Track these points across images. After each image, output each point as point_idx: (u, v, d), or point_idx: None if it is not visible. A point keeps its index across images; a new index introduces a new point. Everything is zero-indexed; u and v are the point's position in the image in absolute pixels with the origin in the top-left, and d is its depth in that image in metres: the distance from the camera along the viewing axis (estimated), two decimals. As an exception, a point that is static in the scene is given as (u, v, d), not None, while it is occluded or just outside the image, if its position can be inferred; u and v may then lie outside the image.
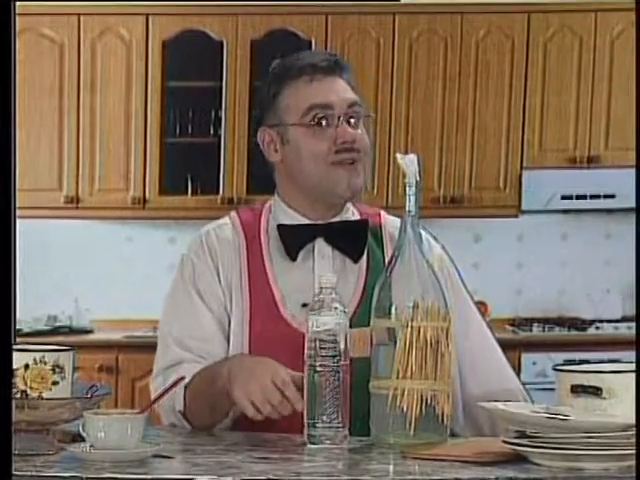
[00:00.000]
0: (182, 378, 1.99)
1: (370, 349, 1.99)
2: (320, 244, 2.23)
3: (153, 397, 1.99)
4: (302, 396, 1.95)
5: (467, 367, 2.19)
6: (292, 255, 2.22)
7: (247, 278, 2.22)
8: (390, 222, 2.29)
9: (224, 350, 2.20)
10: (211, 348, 2.20)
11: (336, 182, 2.19)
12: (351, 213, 2.29)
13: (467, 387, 2.19)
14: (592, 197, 5.44)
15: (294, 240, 2.23)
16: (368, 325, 2.00)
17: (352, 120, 2.20)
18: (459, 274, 2.30)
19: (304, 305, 2.13)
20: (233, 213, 2.32)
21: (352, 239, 2.24)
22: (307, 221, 2.24)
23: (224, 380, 2.02)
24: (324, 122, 2.18)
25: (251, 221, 2.28)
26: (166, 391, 1.95)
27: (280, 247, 2.23)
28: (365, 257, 2.24)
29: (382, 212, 2.33)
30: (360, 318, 2.07)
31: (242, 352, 2.19)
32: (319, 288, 2.00)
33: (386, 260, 2.17)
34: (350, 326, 2.00)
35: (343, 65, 2.26)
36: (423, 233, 2.11)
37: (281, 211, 2.27)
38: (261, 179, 6.07)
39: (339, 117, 2.18)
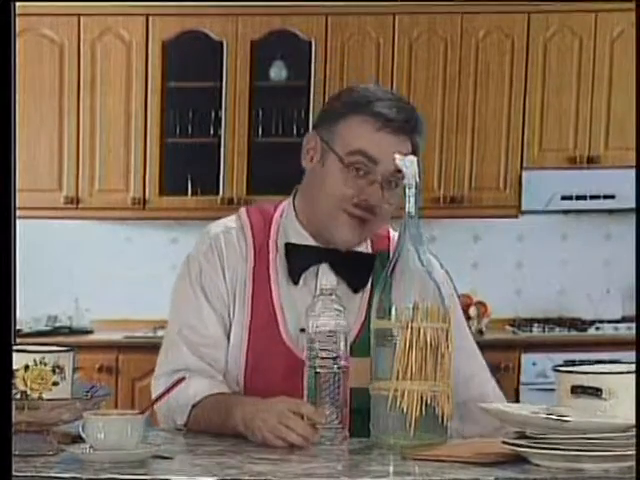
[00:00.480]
0: (182, 379, 1.98)
1: (370, 380, 1.98)
2: (324, 269, 2.20)
3: (153, 398, 1.99)
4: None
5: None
6: (294, 278, 2.20)
7: (251, 292, 2.20)
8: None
9: (223, 354, 2.20)
10: (215, 353, 2.20)
11: (339, 228, 2.16)
12: (364, 252, 2.24)
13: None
14: (592, 197, 5.43)
15: (298, 262, 2.20)
16: (369, 353, 1.99)
17: (390, 184, 2.13)
18: (457, 295, 2.29)
19: (302, 330, 2.11)
20: (243, 214, 2.28)
21: (357, 270, 2.21)
22: (315, 243, 2.21)
23: (238, 424, 2.01)
24: (361, 172, 2.13)
25: (261, 227, 2.25)
26: (166, 392, 1.95)
27: (285, 265, 2.21)
28: (369, 289, 2.21)
29: (390, 232, 2.28)
30: (361, 345, 2.06)
31: (239, 372, 2.18)
32: (319, 290, 2.00)
33: None
34: (351, 354, 1.99)
35: (419, 127, 2.17)
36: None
37: (292, 226, 2.24)
38: (261, 179, 6.08)
39: (378, 177, 2.12)
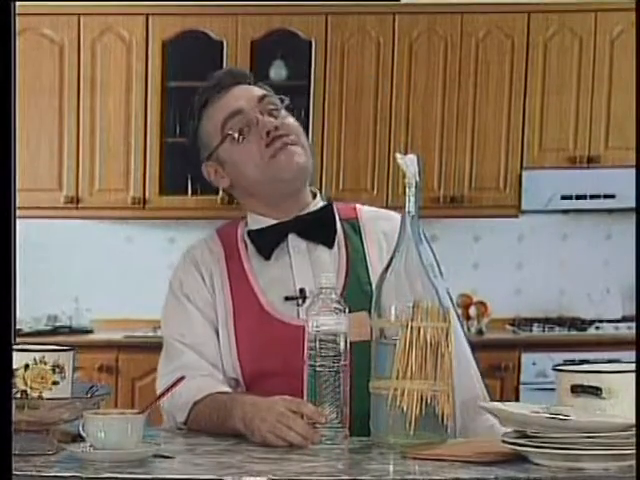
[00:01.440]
0: (182, 378, 1.98)
1: (370, 332, 1.99)
2: (293, 239, 2.26)
3: (153, 399, 1.99)
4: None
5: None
6: (265, 254, 2.26)
7: (228, 280, 2.26)
8: (367, 213, 2.33)
9: (217, 349, 2.23)
10: (212, 350, 2.23)
11: (278, 169, 2.22)
12: (320, 203, 2.32)
13: None
14: (592, 197, 5.44)
15: (265, 241, 2.26)
16: (359, 306, 2.04)
17: (271, 112, 2.26)
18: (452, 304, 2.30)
19: (287, 299, 2.20)
20: (213, 231, 2.37)
21: (321, 226, 2.27)
22: (276, 221, 2.28)
23: (238, 424, 2.02)
24: (244, 128, 2.24)
25: (229, 233, 2.33)
26: (166, 391, 1.95)
27: (254, 250, 2.27)
28: (344, 247, 2.26)
29: (358, 205, 2.37)
30: (350, 301, 2.07)
31: (231, 350, 2.21)
32: (319, 288, 2.00)
33: (366, 249, 2.25)
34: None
35: (239, 73, 2.37)
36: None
37: (252, 220, 2.31)
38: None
39: (253, 113, 2.23)
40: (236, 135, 2.24)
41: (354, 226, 2.29)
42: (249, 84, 2.33)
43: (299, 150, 2.25)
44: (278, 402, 1.97)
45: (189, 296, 2.28)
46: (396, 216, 2.21)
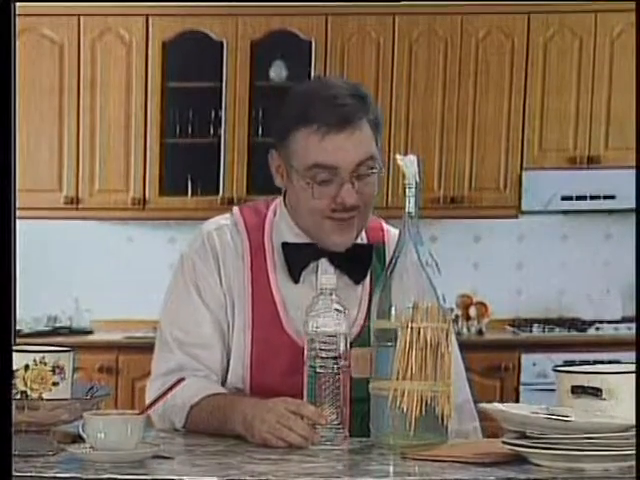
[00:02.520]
0: (182, 379, 1.98)
1: (370, 369, 1.98)
2: (324, 264, 2.20)
3: (151, 399, 1.98)
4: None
5: None
6: (294, 277, 2.19)
7: (250, 289, 2.19)
8: (392, 237, 2.22)
9: (222, 356, 2.20)
10: (209, 354, 2.19)
11: (328, 235, 2.16)
12: (360, 243, 2.24)
13: None
14: (592, 198, 5.43)
15: (297, 260, 2.20)
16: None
17: (360, 177, 2.12)
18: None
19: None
20: (236, 212, 2.28)
21: (356, 262, 2.21)
22: (311, 240, 2.20)
23: (237, 426, 2.01)
24: (326, 181, 2.11)
25: (255, 224, 2.25)
26: (166, 392, 1.95)
27: (284, 264, 2.20)
28: (368, 278, 2.22)
29: (384, 225, 2.30)
30: (363, 338, 2.06)
31: (244, 361, 2.18)
32: (319, 289, 2.00)
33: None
34: (351, 346, 2.00)
35: (365, 106, 2.13)
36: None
37: (286, 225, 2.23)
38: (261, 179, 6.07)
39: (345, 178, 2.10)
40: (310, 184, 2.12)
41: (379, 252, 2.22)
42: (370, 126, 2.13)
43: (354, 226, 2.15)
44: (278, 403, 1.96)
45: (200, 288, 2.20)
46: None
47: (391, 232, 2.27)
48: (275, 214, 2.26)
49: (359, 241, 2.23)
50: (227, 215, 2.29)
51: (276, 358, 2.15)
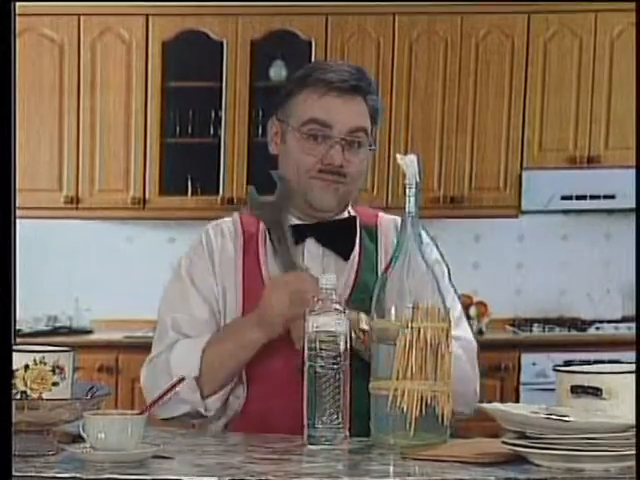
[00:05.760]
0: (182, 379, 1.99)
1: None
2: (310, 244, 2.26)
3: (152, 400, 1.98)
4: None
5: None
6: (276, 250, 2.25)
7: (242, 277, 2.26)
8: (386, 221, 2.33)
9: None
10: (202, 334, 2.24)
11: (313, 196, 2.23)
12: (346, 213, 2.32)
13: None
14: (592, 197, 5.43)
15: (283, 239, 2.25)
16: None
17: (351, 144, 2.22)
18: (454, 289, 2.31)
19: None
20: (236, 214, 2.39)
21: (341, 237, 2.28)
22: (298, 222, 2.28)
23: (254, 330, 2.11)
24: (319, 138, 2.22)
25: (251, 221, 2.33)
26: (165, 393, 1.95)
27: (271, 247, 2.27)
28: (357, 255, 2.27)
29: (380, 213, 2.38)
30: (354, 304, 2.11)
31: None
32: (320, 289, 2.00)
33: (380, 258, 2.25)
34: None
35: (366, 87, 2.25)
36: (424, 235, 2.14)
37: None
38: (261, 179, 6.06)
39: (335, 139, 2.20)
40: (307, 136, 2.23)
41: (371, 233, 2.30)
42: (367, 105, 2.24)
43: (338, 194, 2.23)
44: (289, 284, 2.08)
45: (193, 278, 2.28)
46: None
47: (385, 217, 2.36)
48: None
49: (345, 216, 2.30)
50: (229, 217, 2.39)
51: (268, 344, 2.17)
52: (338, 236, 2.27)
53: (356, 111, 2.23)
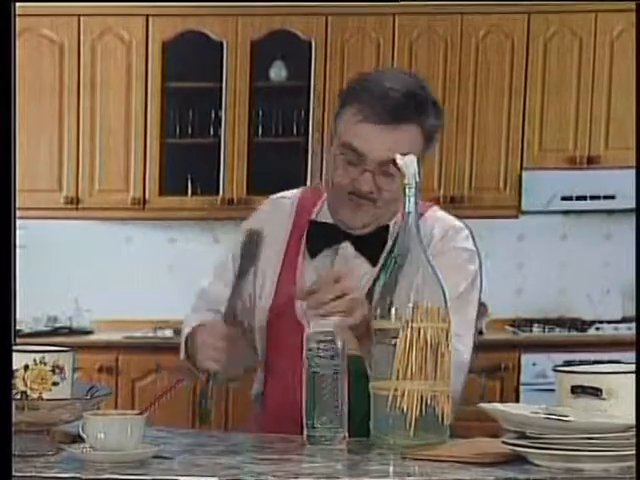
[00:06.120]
0: (181, 380, 2.00)
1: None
2: (345, 246, 2.25)
3: (152, 400, 1.99)
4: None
5: None
6: (312, 253, 2.26)
7: (280, 267, 2.28)
8: (431, 220, 2.26)
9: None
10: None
11: (342, 213, 2.22)
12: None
13: None
14: (592, 198, 5.43)
15: (319, 239, 2.26)
16: None
17: (385, 172, 2.14)
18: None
19: None
20: (299, 190, 2.37)
21: (376, 246, 2.25)
22: (337, 223, 2.25)
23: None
24: (353, 162, 2.15)
25: (308, 203, 2.32)
26: (164, 393, 1.95)
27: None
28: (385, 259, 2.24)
29: (433, 209, 2.31)
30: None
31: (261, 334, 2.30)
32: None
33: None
34: None
35: (418, 110, 2.16)
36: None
37: (326, 205, 2.29)
38: (261, 179, 6.07)
39: (366, 167, 2.14)
40: (341, 159, 2.16)
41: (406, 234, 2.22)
42: (418, 127, 2.16)
43: (369, 213, 2.19)
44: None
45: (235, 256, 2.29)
46: (456, 222, 2.26)
47: (430, 217, 2.27)
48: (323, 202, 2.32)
49: (393, 222, 2.26)
50: (295, 190, 2.38)
51: (288, 338, 2.21)
52: (373, 245, 2.24)
53: (394, 141, 2.12)
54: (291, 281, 2.25)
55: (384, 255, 2.23)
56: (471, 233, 2.33)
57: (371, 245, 2.24)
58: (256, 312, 2.30)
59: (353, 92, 2.17)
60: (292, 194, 2.36)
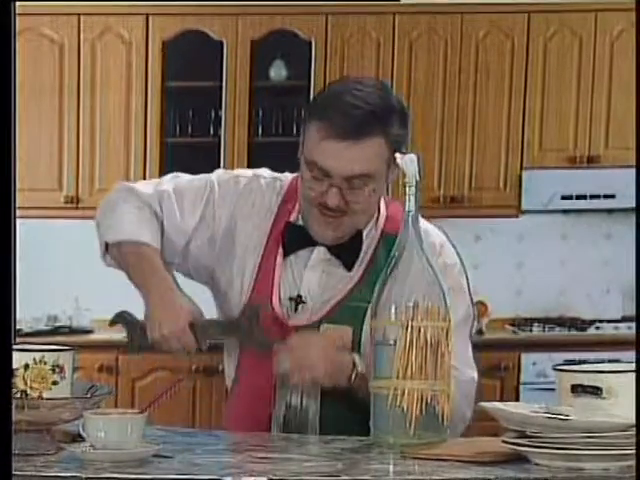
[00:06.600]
0: (181, 380, 2.00)
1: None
2: (321, 251, 2.24)
3: (152, 400, 1.98)
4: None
5: None
6: (287, 252, 2.25)
7: (261, 256, 2.26)
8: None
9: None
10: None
11: (314, 223, 2.21)
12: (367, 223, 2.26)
13: None
14: (592, 197, 5.43)
15: (294, 242, 2.25)
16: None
17: (352, 187, 2.12)
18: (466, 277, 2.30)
19: (291, 299, 2.22)
20: (289, 177, 2.33)
21: (351, 250, 2.24)
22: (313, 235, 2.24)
23: (145, 301, 2.37)
24: (319, 180, 2.14)
25: (294, 195, 2.28)
26: (164, 393, 1.95)
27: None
28: (365, 263, 2.24)
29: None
30: (339, 314, 2.16)
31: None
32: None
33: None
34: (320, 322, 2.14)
35: (385, 121, 2.10)
36: (426, 225, 2.18)
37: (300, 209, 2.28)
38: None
39: (333, 182, 2.12)
40: (308, 174, 2.15)
41: (388, 242, 2.16)
42: (384, 139, 2.10)
43: (342, 224, 2.17)
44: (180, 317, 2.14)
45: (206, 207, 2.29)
46: (438, 234, 2.29)
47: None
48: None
49: (369, 228, 2.26)
50: (285, 174, 2.35)
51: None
52: (347, 249, 2.23)
53: (360, 156, 2.09)
54: (268, 279, 2.23)
55: (359, 261, 2.23)
56: (446, 235, 2.37)
57: (345, 250, 2.23)
58: (229, 297, 2.28)
59: (316, 107, 2.17)
60: (281, 177, 2.33)
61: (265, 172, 2.35)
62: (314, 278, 2.23)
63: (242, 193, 2.29)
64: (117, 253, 2.31)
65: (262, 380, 2.19)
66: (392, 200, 2.31)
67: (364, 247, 2.22)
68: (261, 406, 2.19)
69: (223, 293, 2.30)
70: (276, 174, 2.34)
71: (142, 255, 2.25)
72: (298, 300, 2.22)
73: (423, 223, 2.17)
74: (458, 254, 2.33)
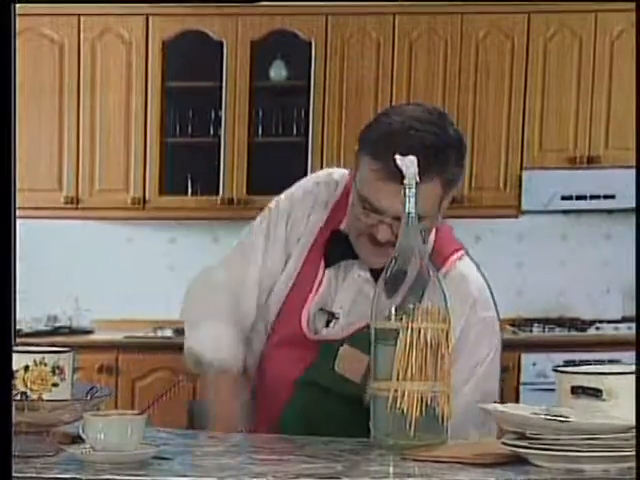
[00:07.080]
0: (180, 380, 2.01)
1: (358, 371, 2.08)
2: (361, 265, 2.24)
3: (152, 400, 1.99)
4: None
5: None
6: (327, 262, 2.25)
7: (301, 266, 2.26)
8: (459, 273, 2.31)
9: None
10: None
11: (359, 249, 2.20)
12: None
13: None
14: (592, 197, 5.44)
15: (337, 251, 2.25)
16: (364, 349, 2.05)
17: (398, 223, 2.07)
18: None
19: (321, 309, 2.23)
20: (346, 175, 2.30)
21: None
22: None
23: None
24: (371, 212, 2.11)
25: (341, 207, 2.27)
26: (164, 394, 1.95)
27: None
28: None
29: (457, 255, 2.38)
30: (360, 338, 2.12)
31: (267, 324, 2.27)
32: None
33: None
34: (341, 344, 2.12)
35: (441, 163, 2.07)
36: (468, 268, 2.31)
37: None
38: (261, 179, 6.07)
39: (384, 219, 2.10)
40: (359, 205, 2.12)
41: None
42: (439, 183, 2.08)
43: (386, 253, 2.07)
44: None
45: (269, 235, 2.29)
46: (476, 284, 2.30)
47: (459, 268, 2.33)
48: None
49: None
50: (343, 171, 2.32)
51: (289, 336, 2.23)
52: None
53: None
54: (305, 289, 2.23)
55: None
56: (483, 276, 2.37)
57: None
58: (269, 306, 2.29)
59: (370, 143, 2.10)
60: (339, 178, 2.30)
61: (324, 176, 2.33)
62: (349, 295, 2.22)
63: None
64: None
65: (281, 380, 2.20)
66: (442, 224, 2.31)
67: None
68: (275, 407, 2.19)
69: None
70: (335, 176, 2.31)
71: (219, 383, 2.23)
72: (330, 317, 2.22)
73: (466, 265, 2.35)
74: (492, 296, 2.33)
